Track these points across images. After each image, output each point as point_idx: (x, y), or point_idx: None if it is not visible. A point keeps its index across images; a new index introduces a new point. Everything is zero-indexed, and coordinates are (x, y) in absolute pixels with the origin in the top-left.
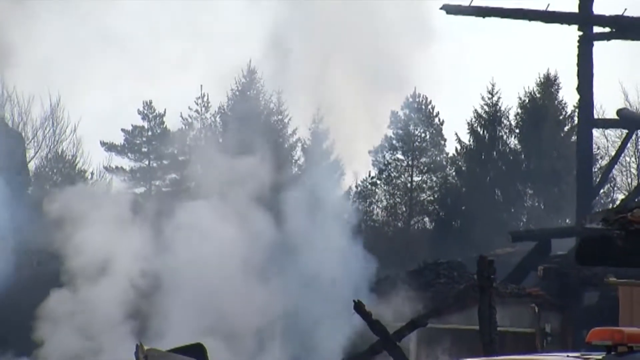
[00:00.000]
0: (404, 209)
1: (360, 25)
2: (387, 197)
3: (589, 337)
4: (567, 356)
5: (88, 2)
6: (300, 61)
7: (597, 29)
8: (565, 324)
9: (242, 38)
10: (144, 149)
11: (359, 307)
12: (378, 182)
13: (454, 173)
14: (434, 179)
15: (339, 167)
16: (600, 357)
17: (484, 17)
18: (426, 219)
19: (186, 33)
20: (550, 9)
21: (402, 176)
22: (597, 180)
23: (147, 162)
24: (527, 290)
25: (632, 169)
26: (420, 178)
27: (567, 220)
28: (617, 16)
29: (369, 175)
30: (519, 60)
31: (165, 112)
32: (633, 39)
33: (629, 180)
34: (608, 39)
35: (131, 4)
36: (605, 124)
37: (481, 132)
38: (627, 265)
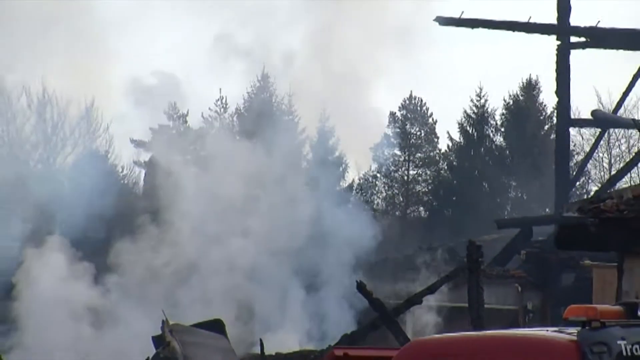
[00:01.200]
0: (401, 200)
1: (362, 34)
2: (386, 188)
3: (566, 314)
4: (547, 331)
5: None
6: (308, 67)
7: (573, 39)
8: (545, 302)
9: (255, 44)
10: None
11: (361, 287)
12: (378, 175)
13: (446, 167)
14: (428, 172)
15: (343, 162)
16: (576, 331)
17: (472, 28)
18: (421, 209)
19: (206, 40)
20: (531, 21)
21: (400, 170)
22: (574, 173)
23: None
24: (511, 272)
25: (604, 164)
26: (415, 172)
27: (547, 210)
28: (591, 27)
29: (370, 169)
30: (503, 66)
31: (187, 112)
32: (606, 48)
33: (602, 173)
34: (583, 48)
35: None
36: (581, 123)
37: (470, 131)
38: (600, 250)
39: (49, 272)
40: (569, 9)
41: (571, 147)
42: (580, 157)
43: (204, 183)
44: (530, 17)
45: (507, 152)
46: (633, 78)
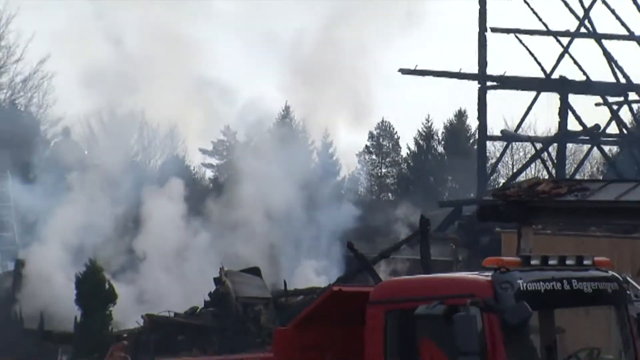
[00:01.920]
0: (376, 189)
1: (349, 78)
2: (366, 181)
3: (484, 263)
4: (471, 274)
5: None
6: (314, 103)
7: (489, 83)
8: (470, 256)
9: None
10: (225, 153)
11: (350, 245)
12: (361, 172)
13: (405, 167)
14: (394, 171)
15: (338, 163)
16: (490, 274)
17: (423, 75)
18: (389, 194)
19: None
20: (462, 71)
21: (375, 169)
22: (489, 172)
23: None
24: (448, 235)
25: (509, 165)
26: (386, 170)
27: (472, 195)
28: (501, 76)
29: (356, 168)
30: (443, 100)
31: (237, 131)
32: (510, 89)
33: (507, 171)
34: (496, 89)
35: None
36: (494, 139)
37: (421, 143)
38: (507, 221)
39: (164, 212)
40: (486, 63)
41: (487, 154)
42: (493, 161)
43: (257, 171)
44: (460, 68)
45: (446, 157)
46: (527, 109)
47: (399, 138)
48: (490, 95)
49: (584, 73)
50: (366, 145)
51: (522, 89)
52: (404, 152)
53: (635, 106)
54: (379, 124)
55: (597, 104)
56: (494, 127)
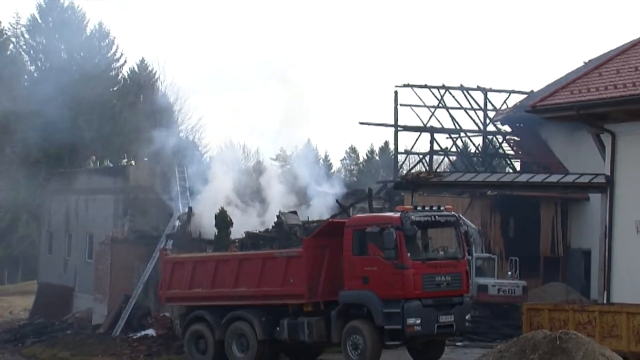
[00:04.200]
0: (349, 176)
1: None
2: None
3: (397, 209)
4: (391, 213)
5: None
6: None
7: (399, 129)
8: (390, 205)
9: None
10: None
11: (337, 201)
12: (342, 168)
13: (361, 166)
14: (357, 168)
15: (331, 165)
16: (400, 213)
17: (369, 125)
18: (355, 178)
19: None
20: (385, 122)
21: (349, 167)
22: (399, 168)
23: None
24: (381, 196)
25: (407, 166)
26: (354, 167)
27: (391, 178)
28: (405, 125)
29: (340, 167)
30: (380, 133)
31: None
32: (410, 131)
33: (407, 168)
34: (402, 131)
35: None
36: (401, 153)
37: (369, 155)
38: (406, 190)
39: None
40: (398, 119)
41: (398, 161)
42: (401, 163)
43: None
44: (385, 121)
45: (379, 161)
46: (416, 139)
47: (358, 152)
48: (402, 135)
49: (440, 124)
50: (344, 157)
51: (413, 131)
52: (361, 159)
53: (464, 139)
54: (350, 145)
55: (447, 138)
56: (401, 146)
